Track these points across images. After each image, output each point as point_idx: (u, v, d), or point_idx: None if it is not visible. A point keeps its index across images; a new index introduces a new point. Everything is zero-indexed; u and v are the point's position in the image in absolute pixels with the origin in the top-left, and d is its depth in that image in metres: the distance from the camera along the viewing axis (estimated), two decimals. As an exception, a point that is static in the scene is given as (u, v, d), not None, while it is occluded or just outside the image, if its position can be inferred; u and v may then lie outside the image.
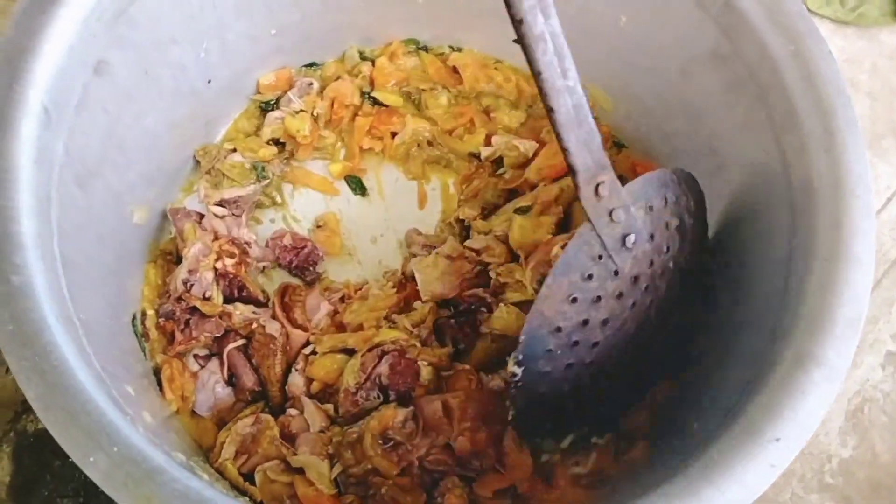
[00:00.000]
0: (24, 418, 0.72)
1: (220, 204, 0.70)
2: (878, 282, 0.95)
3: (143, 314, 0.66)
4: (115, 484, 0.40)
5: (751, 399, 0.46)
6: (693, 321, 0.61)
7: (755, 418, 0.45)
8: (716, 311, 0.64)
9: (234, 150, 0.73)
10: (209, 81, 0.72)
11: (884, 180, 1.00)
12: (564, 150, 0.48)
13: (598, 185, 0.50)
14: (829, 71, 0.54)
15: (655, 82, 0.68)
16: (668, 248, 0.56)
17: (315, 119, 0.75)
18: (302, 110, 0.74)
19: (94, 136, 0.58)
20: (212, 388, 0.63)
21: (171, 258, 0.70)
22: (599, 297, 0.53)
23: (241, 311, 0.64)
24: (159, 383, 0.64)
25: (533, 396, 0.55)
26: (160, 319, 0.65)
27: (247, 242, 0.67)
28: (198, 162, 0.73)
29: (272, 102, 0.76)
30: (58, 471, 0.70)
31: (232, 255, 0.66)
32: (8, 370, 0.76)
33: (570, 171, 0.49)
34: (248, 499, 0.58)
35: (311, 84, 0.75)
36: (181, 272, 0.66)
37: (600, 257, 0.52)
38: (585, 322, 0.53)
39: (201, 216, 0.70)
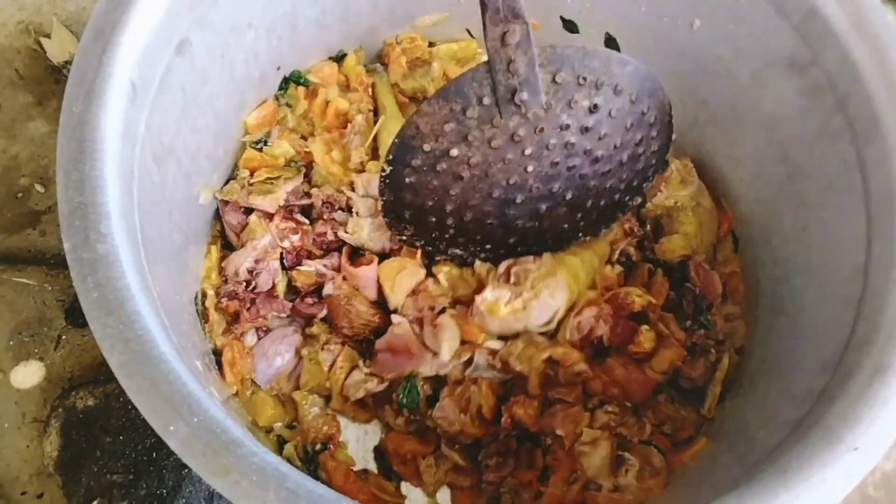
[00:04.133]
0: (72, 395, 0.73)
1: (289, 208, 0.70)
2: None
3: (204, 294, 0.66)
4: (195, 453, 0.41)
5: (828, 408, 0.46)
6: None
7: (833, 427, 0.44)
8: (778, 318, 0.63)
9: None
10: (278, 68, 0.73)
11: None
12: None
13: (505, 31, 0.50)
14: (915, 81, 0.53)
15: (726, 87, 0.68)
16: (568, 126, 0.55)
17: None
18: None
19: (171, 115, 0.58)
20: (272, 359, 0.64)
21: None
22: (468, 137, 0.54)
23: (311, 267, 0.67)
24: (218, 364, 0.65)
25: (400, 199, 0.58)
26: (222, 300, 0.65)
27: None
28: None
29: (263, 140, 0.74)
30: (108, 447, 0.71)
31: (295, 232, 0.67)
32: (57, 346, 0.79)
33: (481, 6, 0.50)
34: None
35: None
36: (246, 260, 0.66)
37: (483, 100, 0.53)
38: (452, 154, 0.55)
39: (245, 210, 0.70)
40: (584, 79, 0.53)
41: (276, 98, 0.73)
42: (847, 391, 0.46)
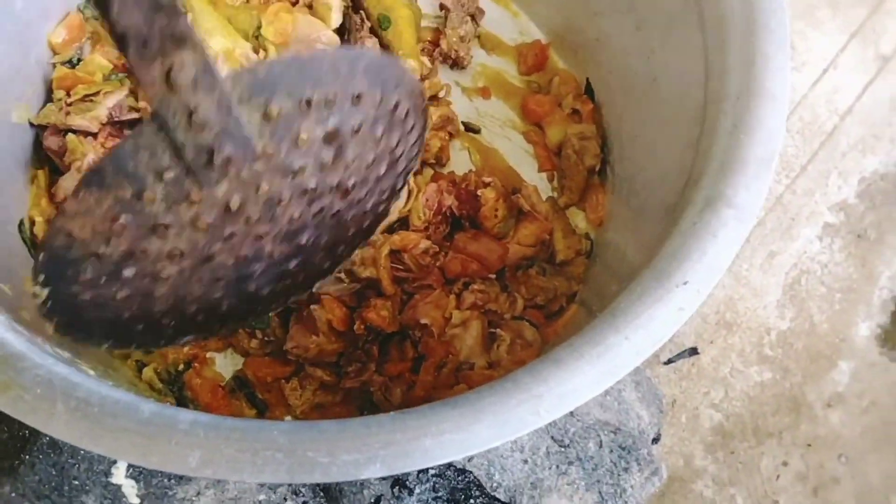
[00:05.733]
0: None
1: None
2: (815, 154, 0.94)
3: (32, 222, 0.61)
4: (-32, 373, 0.37)
5: (659, 247, 0.44)
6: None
7: (663, 264, 0.43)
8: (635, 178, 0.62)
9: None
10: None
11: (818, 51, 0.97)
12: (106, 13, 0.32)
13: (169, 68, 0.34)
14: None
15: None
16: (302, 168, 0.42)
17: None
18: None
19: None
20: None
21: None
22: (159, 227, 0.39)
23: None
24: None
25: (80, 318, 0.41)
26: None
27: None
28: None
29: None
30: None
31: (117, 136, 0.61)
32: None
33: (116, 41, 0.34)
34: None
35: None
36: (74, 182, 0.61)
37: (166, 174, 0.37)
38: (142, 252, 0.40)
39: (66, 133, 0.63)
40: (309, 101, 0.39)
41: (80, 10, 0.66)
42: (678, 227, 0.44)
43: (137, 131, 0.36)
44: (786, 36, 0.48)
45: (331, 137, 0.41)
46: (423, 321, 0.60)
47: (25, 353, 0.38)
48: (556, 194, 0.70)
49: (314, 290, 0.52)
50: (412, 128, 0.47)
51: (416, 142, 0.48)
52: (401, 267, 0.61)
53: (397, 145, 0.46)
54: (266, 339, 0.61)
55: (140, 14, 0.32)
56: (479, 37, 0.75)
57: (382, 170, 0.47)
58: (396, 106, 0.44)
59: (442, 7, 0.73)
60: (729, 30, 0.49)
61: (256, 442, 0.37)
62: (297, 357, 0.59)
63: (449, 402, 0.39)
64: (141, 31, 0.33)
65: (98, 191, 0.36)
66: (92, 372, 0.47)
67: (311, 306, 0.58)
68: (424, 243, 0.60)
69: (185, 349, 0.62)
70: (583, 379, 0.39)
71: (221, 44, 0.65)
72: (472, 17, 0.73)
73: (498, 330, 0.61)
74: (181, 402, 0.60)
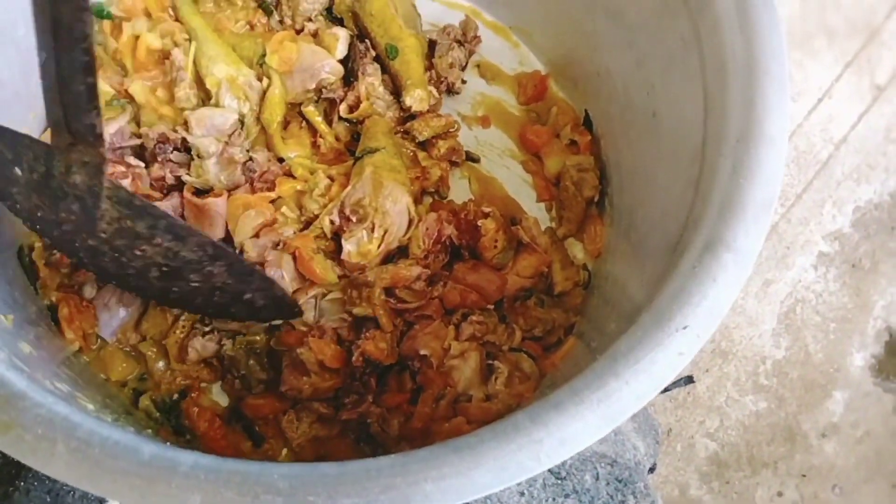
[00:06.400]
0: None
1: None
2: (809, 183, 0.94)
3: (31, 248, 0.61)
4: (-31, 414, 0.37)
5: (660, 290, 0.44)
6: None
7: (663, 307, 0.43)
8: (636, 212, 0.62)
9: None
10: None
11: (814, 80, 0.98)
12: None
13: (72, 144, 0.44)
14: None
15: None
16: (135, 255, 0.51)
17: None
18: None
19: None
20: (115, 310, 0.60)
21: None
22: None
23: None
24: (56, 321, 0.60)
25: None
26: (54, 251, 0.60)
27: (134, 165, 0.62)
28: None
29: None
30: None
31: (125, 176, 0.61)
32: None
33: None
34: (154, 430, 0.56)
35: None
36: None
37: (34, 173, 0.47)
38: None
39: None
40: (159, 244, 0.49)
41: (83, 36, 0.66)
42: (678, 270, 0.44)
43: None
44: (786, 79, 0.48)
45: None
46: (422, 352, 0.60)
47: (26, 392, 0.38)
48: (554, 224, 0.70)
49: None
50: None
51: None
52: (396, 300, 0.61)
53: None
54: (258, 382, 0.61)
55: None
56: (478, 66, 0.76)
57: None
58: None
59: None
60: (729, 72, 0.49)
61: (257, 486, 0.37)
62: (293, 398, 0.59)
63: (449, 445, 0.39)
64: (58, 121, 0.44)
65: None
66: (91, 406, 0.47)
67: (298, 350, 0.58)
68: (416, 270, 0.60)
69: (177, 380, 0.62)
70: (583, 424, 0.39)
71: (225, 71, 0.65)
72: (460, 44, 0.73)
73: (496, 362, 0.61)
74: (178, 431, 0.60)
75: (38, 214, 0.50)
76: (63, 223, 0.49)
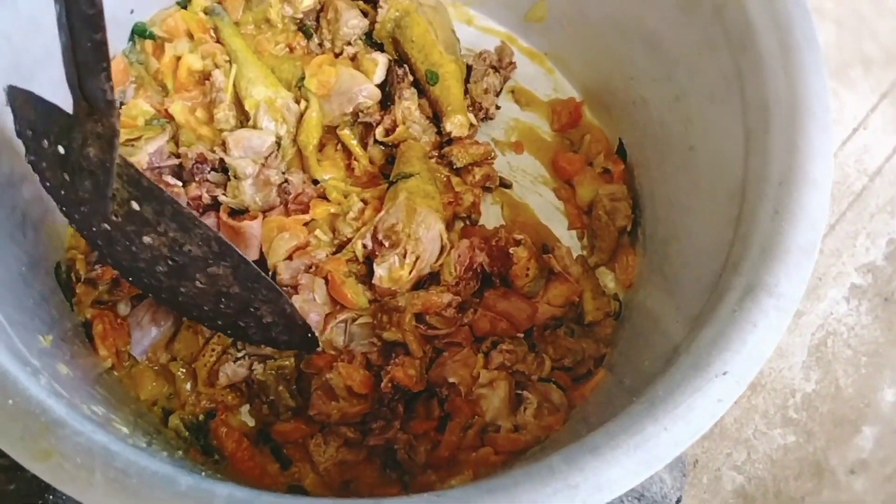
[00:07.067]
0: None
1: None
2: (843, 214, 0.93)
3: (69, 265, 0.62)
4: (11, 438, 0.37)
5: (698, 332, 0.44)
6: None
7: (702, 352, 0.42)
8: (669, 245, 0.62)
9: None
10: (131, 12, 0.67)
11: (850, 110, 0.97)
12: None
13: (92, 115, 0.44)
14: (788, -16, 0.50)
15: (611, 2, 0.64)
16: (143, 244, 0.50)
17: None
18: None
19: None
20: (147, 328, 0.61)
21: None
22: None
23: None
24: (90, 338, 0.61)
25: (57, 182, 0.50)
26: (95, 267, 0.61)
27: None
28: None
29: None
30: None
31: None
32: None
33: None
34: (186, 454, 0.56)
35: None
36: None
37: (58, 148, 0.47)
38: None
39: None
40: (165, 232, 0.49)
41: (125, 54, 0.67)
42: (718, 313, 0.44)
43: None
44: (830, 122, 0.48)
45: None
46: (450, 380, 0.60)
47: (66, 420, 0.38)
48: (585, 253, 0.70)
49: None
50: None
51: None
52: (426, 327, 0.61)
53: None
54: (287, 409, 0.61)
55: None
56: (513, 91, 0.76)
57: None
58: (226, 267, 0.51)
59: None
60: (773, 112, 0.49)
61: (291, 521, 0.37)
62: (321, 422, 0.59)
63: (482, 487, 0.39)
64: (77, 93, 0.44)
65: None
66: (125, 429, 0.47)
67: (327, 375, 0.58)
68: (447, 296, 0.61)
69: (203, 403, 0.62)
70: (620, 470, 0.39)
71: (263, 93, 0.66)
72: (496, 69, 0.73)
73: (525, 392, 0.61)
74: (206, 451, 0.60)
75: (62, 193, 0.50)
76: (81, 203, 0.49)
